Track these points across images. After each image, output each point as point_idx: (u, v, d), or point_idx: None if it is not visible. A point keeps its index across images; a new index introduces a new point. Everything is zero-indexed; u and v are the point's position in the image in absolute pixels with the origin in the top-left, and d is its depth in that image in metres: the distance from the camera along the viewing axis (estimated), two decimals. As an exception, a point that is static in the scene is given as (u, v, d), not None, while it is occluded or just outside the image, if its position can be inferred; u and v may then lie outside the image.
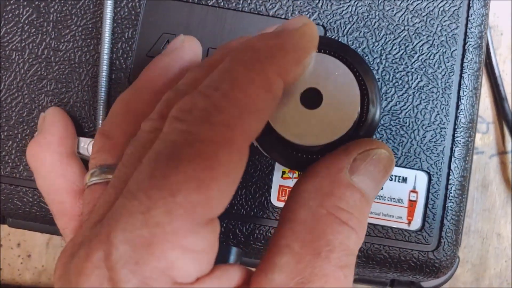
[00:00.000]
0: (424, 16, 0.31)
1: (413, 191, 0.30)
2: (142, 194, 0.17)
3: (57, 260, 0.21)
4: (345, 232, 0.19)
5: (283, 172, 0.30)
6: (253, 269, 0.20)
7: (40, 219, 0.31)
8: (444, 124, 0.30)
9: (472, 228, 0.43)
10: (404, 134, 0.30)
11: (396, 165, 0.30)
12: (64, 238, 0.26)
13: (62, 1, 0.30)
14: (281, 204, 0.30)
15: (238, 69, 0.19)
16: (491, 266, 0.43)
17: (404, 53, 0.31)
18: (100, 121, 0.29)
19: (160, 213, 0.17)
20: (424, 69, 0.31)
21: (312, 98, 0.22)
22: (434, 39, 0.31)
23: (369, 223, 0.30)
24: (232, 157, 0.18)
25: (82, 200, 0.25)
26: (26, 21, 0.30)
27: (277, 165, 0.30)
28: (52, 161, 0.27)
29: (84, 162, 0.29)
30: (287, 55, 0.20)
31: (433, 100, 0.31)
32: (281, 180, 0.30)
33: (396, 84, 0.30)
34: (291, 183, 0.30)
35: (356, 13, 0.31)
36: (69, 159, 0.28)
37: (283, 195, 0.30)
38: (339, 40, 0.31)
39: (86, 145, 0.29)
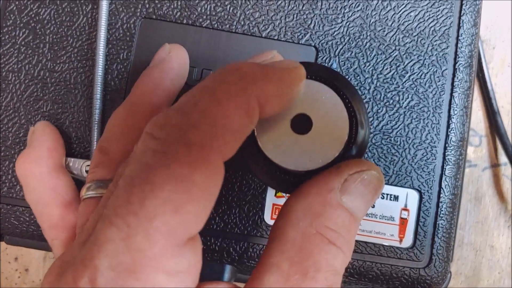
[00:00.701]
0: (415, 36, 0.32)
1: (405, 209, 0.31)
2: (120, 220, 0.18)
3: (44, 277, 0.21)
4: (333, 252, 0.20)
5: (277, 191, 0.31)
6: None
7: (37, 237, 0.31)
8: (435, 142, 0.31)
9: (466, 240, 0.44)
10: (395, 152, 0.31)
11: (387, 184, 0.31)
12: (53, 250, 0.27)
13: (58, 23, 0.31)
14: (274, 222, 0.30)
15: (219, 87, 0.19)
16: (484, 278, 0.44)
17: (395, 72, 0.31)
18: (95, 142, 0.29)
19: (140, 239, 0.17)
20: (415, 88, 0.31)
21: (302, 123, 0.22)
22: (425, 59, 0.31)
23: (361, 241, 0.30)
24: (207, 177, 0.18)
25: (77, 213, 0.25)
26: (23, 43, 0.31)
27: (270, 183, 0.31)
28: (41, 174, 0.27)
29: (78, 181, 0.29)
30: (271, 84, 0.20)
31: (424, 119, 0.31)
32: (275, 199, 0.30)
33: (387, 103, 0.31)
34: (284, 201, 0.30)
35: (347, 33, 0.31)
36: (58, 172, 0.28)
37: (277, 213, 0.30)
38: (331, 60, 0.31)
39: (81, 166, 0.29)
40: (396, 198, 0.31)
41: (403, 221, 0.31)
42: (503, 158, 0.44)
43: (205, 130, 0.18)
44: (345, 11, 0.31)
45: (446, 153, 0.31)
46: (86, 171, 0.29)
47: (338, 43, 0.31)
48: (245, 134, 0.20)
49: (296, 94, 0.21)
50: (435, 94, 0.31)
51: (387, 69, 0.31)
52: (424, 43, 0.32)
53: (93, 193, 0.24)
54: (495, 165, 0.44)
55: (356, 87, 0.31)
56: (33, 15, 0.31)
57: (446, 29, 0.32)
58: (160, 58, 0.28)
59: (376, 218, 0.31)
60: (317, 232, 0.20)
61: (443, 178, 0.31)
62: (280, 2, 0.31)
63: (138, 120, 0.25)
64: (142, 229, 0.17)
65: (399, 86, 0.31)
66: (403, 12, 0.32)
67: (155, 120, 0.19)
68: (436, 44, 0.32)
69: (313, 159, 0.22)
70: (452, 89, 0.31)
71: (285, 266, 0.19)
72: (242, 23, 0.31)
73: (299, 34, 0.31)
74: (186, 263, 0.18)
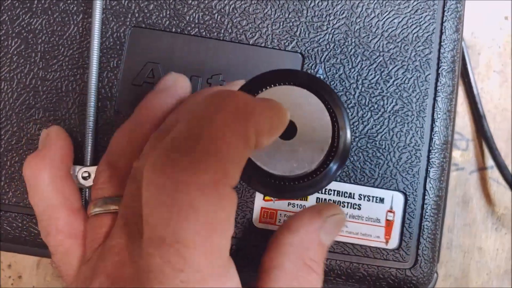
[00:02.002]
0: (398, 42, 0.32)
1: (390, 211, 0.31)
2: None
3: None
4: (314, 277, 0.25)
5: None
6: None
7: (30, 243, 0.31)
8: (419, 146, 0.32)
9: (454, 242, 0.44)
10: (380, 156, 0.31)
11: (373, 186, 0.31)
12: (54, 257, 0.27)
13: (50, 33, 0.31)
14: (263, 226, 0.31)
15: (219, 117, 0.19)
16: (473, 279, 0.44)
17: (380, 78, 0.32)
18: (89, 148, 0.30)
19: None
20: (399, 93, 0.32)
21: (287, 129, 0.23)
22: (409, 64, 0.32)
23: (348, 242, 0.31)
24: (228, 209, 0.20)
25: (87, 229, 0.26)
26: (15, 52, 0.31)
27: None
28: (52, 177, 0.27)
29: (71, 188, 0.30)
30: (266, 117, 0.21)
31: (408, 123, 0.32)
32: (263, 202, 0.31)
33: (372, 108, 0.32)
34: (273, 205, 0.31)
35: (333, 40, 0.32)
36: (68, 178, 0.28)
37: (265, 217, 0.31)
38: (317, 66, 0.32)
39: (76, 173, 0.30)
40: (381, 200, 0.31)
41: (389, 223, 0.31)
42: (489, 161, 0.45)
43: (215, 167, 0.19)
44: (330, 19, 0.32)
45: (430, 156, 0.32)
46: (83, 177, 0.29)
47: (324, 49, 0.32)
48: (244, 162, 0.21)
49: (284, 127, 0.23)
50: (418, 98, 0.32)
51: (371, 74, 0.32)
52: (407, 49, 0.32)
53: (101, 209, 0.25)
54: (482, 169, 0.45)
55: (342, 93, 0.32)
56: (25, 25, 0.31)
57: (429, 35, 0.33)
58: (166, 84, 0.29)
59: (362, 220, 0.31)
60: (305, 263, 0.25)
61: (428, 180, 0.31)
62: (266, 10, 0.32)
63: (143, 136, 0.26)
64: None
65: (383, 91, 0.32)
66: (387, 19, 0.33)
67: (156, 161, 0.19)
68: (419, 50, 0.32)
69: (299, 164, 0.23)
70: (435, 94, 0.32)
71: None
72: (230, 31, 0.32)
73: (285, 41, 0.32)
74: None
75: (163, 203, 0.18)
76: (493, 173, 0.45)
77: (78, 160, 0.31)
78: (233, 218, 0.20)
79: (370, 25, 0.32)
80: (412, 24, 0.33)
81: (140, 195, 0.20)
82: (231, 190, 0.19)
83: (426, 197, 0.31)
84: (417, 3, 0.33)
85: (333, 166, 0.24)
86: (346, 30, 0.32)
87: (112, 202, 0.25)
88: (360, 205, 0.31)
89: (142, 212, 0.20)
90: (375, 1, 0.33)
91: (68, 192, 0.28)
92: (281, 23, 0.32)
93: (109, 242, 0.24)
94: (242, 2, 0.32)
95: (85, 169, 0.29)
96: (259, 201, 0.31)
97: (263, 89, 0.24)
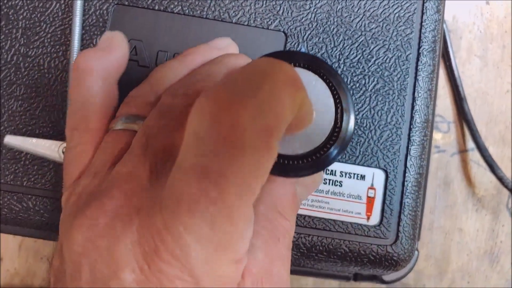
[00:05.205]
0: (380, 22, 0.33)
1: (371, 188, 0.32)
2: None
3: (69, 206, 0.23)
4: (286, 223, 0.25)
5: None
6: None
7: (11, 221, 0.31)
8: (400, 124, 0.32)
9: (435, 224, 0.45)
10: (361, 134, 0.32)
11: (354, 164, 0.32)
12: (66, 153, 0.26)
13: (31, 9, 0.31)
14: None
15: (281, 79, 0.19)
16: (453, 260, 0.45)
17: (362, 57, 0.32)
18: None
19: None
20: (380, 72, 0.32)
21: None
22: (390, 44, 0.33)
23: (329, 219, 0.31)
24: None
25: (104, 141, 0.25)
26: (-4, 28, 0.31)
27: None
28: (103, 77, 0.26)
29: (55, 164, 0.30)
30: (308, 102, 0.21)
31: (389, 101, 0.32)
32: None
33: (354, 87, 0.32)
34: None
35: (315, 19, 0.32)
36: (114, 88, 0.27)
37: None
38: (300, 45, 0.32)
39: (57, 148, 0.30)
40: (363, 177, 0.32)
41: (370, 200, 0.32)
42: (470, 143, 0.45)
43: (272, 118, 0.18)
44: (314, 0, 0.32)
45: (411, 134, 0.32)
46: (63, 152, 0.29)
47: (306, 28, 0.32)
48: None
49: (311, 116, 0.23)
50: (400, 77, 0.32)
51: (353, 53, 0.32)
52: (389, 28, 0.33)
53: (123, 126, 0.25)
54: (463, 151, 0.46)
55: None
56: (5, 1, 0.31)
57: (410, 15, 0.33)
58: (221, 43, 0.30)
59: (344, 197, 0.32)
60: (277, 210, 0.24)
61: (408, 158, 0.32)
62: (249, -11, 0.32)
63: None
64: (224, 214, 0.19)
65: (365, 70, 0.32)
66: (369, -1, 0.33)
67: (218, 95, 0.18)
68: (400, 30, 0.33)
69: (302, 144, 0.23)
70: (416, 73, 0.33)
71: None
72: (213, 9, 0.32)
73: (268, 20, 0.32)
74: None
75: (215, 136, 0.18)
76: (474, 155, 0.45)
77: (60, 135, 0.30)
78: (268, 173, 0.20)
79: (352, 4, 0.33)
80: (394, 4, 0.33)
81: (171, 129, 0.21)
82: (275, 149, 0.19)
83: (406, 174, 0.32)
84: (398, -17, 0.33)
85: (336, 148, 0.24)
86: (328, 10, 0.32)
87: (134, 120, 0.25)
88: (342, 182, 0.32)
89: (183, 141, 0.19)
90: (358, -19, 0.33)
91: (109, 101, 0.27)
92: (264, 2, 0.32)
93: (121, 168, 0.23)
94: (225, -19, 0.32)
95: (65, 144, 0.29)
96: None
97: None
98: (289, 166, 0.23)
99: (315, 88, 0.23)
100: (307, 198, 0.32)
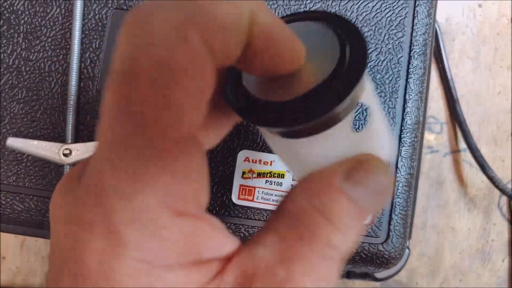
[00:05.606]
0: (372, 25, 0.34)
1: (363, 188, 0.33)
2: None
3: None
4: (329, 228, 0.18)
5: (243, 172, 0.32)
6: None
7: (12, 221, 0.32)
8: (391, 125, 0.33)
9: (428, 223, 0.46)
10: (354, 135, 0.33)
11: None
12: None
13: (32, 14, 0.32)
14: (242, 203, 0.32)
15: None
16: (446, 258, 0.46)
17: (354, 60, 0.33)
18: (70, 127, 0.31)
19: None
20: (372, 75, 0.33)
21: None
22: (382, 47, 0.34)
23: (323, 219, 0.32)
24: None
25: None
26: (-2, 33, 0.32)
27: (237, 165, 0.32)
28: None
29: (55, 165, 0.31)
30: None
31: (381, 103, 0.33)
32: (242, 180, 0.32)
33: (347, 89, 0.33)
34: (251, 182, 0.32)
35: (309, 23, 0.33)
36: None
37: (244, 194, 0.32)
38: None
39: (58, 150, 0.31)
40: (355, 177, 0.33)
41: (362, 199, 0.32)
42: (462, 144, 0.46)
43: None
44: (307, 2, 0.33)
45: (402, 136, 0.33)
46: (64, 154, 0.30)
47: (300, 32, 0.33)
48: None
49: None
50: (391, 80, 0.33)
51: (346, 57, 0.33)
52: (381, 32, 0.34)
53: None
54: (455, 151, 0.47)
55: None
56: (7, 6, 0.32)
57: (402, 19, 0.34)
58: None
59: (337, 196, 0.32)
60: (314, 208, 0.18)
61: (399, 159, 0.33)
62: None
63: None
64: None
65: (357, 73, 0.33)
66: (361, 3, 0.34)
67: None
68: (392, 33, 0.34)
69: (303, 81, 0.19)
70: (407, 76, 0.33)
71: (282, 229, 0.19)
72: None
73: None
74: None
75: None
76: (466, 156, 0.46)
77: (60, 138, 0.31)
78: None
79: (345, 8, 0.34)
80: (386, 8, 0.34)
81: None
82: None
83: (397, 175, 0.33)
84: (390, -12, 0.34)
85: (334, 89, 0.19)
86: (322, 14, 0.33)
87: None
88: (335, 182, 0.32)
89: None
90: (350, -14, 0.34)
91: None
92: (259, 7, 0.33)
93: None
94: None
95: (66, 146, 0.30)
96: (238, 179, 0.32)
97: None
98: (282, 114, 0.19)
99: (321, 36, 0.20)
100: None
